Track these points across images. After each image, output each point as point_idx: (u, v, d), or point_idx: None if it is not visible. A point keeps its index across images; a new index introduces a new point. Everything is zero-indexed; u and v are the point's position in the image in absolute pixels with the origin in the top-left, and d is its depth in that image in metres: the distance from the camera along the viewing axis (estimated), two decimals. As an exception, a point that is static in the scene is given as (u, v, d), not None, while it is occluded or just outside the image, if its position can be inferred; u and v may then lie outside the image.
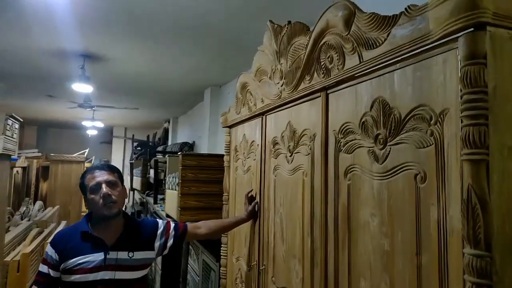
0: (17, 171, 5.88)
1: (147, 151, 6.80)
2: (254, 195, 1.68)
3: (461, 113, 0.68)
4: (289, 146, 1.35)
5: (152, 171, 5.14)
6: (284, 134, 1.40)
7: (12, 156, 2.74)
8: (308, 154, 1.22)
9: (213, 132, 4.95)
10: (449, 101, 0.72)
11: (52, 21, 2.94)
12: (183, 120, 7.71)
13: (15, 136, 2.63)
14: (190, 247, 2.97)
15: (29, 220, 4.51)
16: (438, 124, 0.75)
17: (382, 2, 1.29)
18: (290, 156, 1.35)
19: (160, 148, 7.19)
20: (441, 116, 0.74)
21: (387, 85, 0.89)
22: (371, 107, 0.93)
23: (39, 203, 5.52)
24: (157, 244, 1.52)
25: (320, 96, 1.17)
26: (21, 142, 9.32)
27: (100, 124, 9.10)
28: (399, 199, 0.84)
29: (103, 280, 1.36)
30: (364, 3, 1.10)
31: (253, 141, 1.72)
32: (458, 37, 0.69)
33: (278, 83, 1.43)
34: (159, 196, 4.54)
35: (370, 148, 0.94)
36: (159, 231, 1.55)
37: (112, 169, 1.49)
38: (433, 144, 0.76)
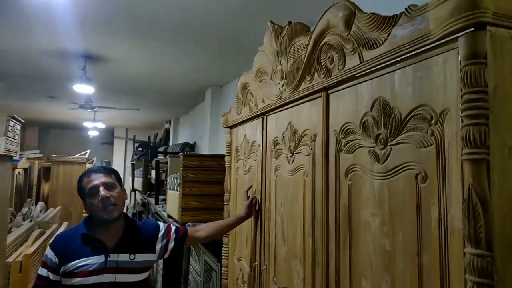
0: (18, 172, 5.89)
1: (148, 152, 6.80)
2: (254, 193, 1.68)
3: (461, 113, 0.68)
4: (290, 146, 1.36)
5: (153, 172, 5.14)
6: (285, 135, 1.41)
7: (14, 157, 2.75)
8: (309, 154, 1.22)
9: (214, 132, 4.95)
10: (450, 101, 0.72)
11: (53, 21, 2.95)
12: (184, 120, 7.71)
13: (16, 137, 2.64)
14: (192, 247, 2.97)
15: (31, 221, 4.52)
16: (438, 124, 0.75)
17: (382, 2, 1.29)
18: (291, 156, 1.35)
19: (161, 149, 7.20)
20: (442, 116, 0.74)
21: (387, 85, 0.89)
22: (372, 107, 0.94)
23: (41, 204, 5.53)
24: (158, 246, 1.51)
25: (320, 96, 1.17)
26: (23, 143, 9.33)
27: (101, 125, 9.11)
28: (400, 199, 0.84)
29: (103, 283, 1.34)
30: (364, 3, 1.10)
31: (254, 141, 1.72)
32: (458, 37, 0.69)
33: (278, 83, 1.43)
34: (161, 197, 4.55)
35: (371, 148, 0.94)
36: (161, 234, 1.53)
37: (109, 171, 1.45)
38: (433, 144, 0.76)
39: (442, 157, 0.74)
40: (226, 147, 2.08)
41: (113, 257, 1.37)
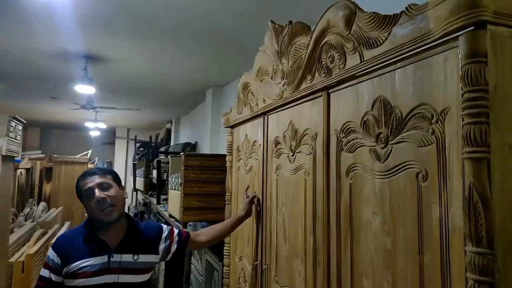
0: (20, 173, 5.91)
1: (149, 152, 6.82)
2: (254, 192, 1.68)
3: (462, 111, 0.68)
4: (291, 145, 1.36)
5: (155, 172, 5.15)
6: (286, 134, 1.41)
7: (16, 158, 2.76)
8: (310, 154, 1.22)
9: (215, 132, 4.96)
10: (450, 100, 0.73)
11: (53, 22, 2.96)
12: (185, 120, 7.72)
13: (18, 137, 2.65)
14: (193, 247, 2.97)
15: (33, 221, 4.53)
16: (439, 122, 0.75)
17: (382, 2, 1.29)
18: (292, 155, 1.35)
19: (162, 149, 7.21)
20: (442, 114, 0.74)
21: (388, 84, 0.89)
22: (372, 106, 0.94)
23: (42, 204, 5.55)
24: (161, 248, 1.49)
25: (321, 95, 1.17)
26: (25, 144, 9.36)
27: (103, 125, 9.13)
28: (401, 197, 0.85)
29: (106, 284, 1.33)
30: (365, 2, 1.10)
31: (255, 141, 1.72)
32: (459, 35, 0.70)
33: (279, 83, 1.43)
34: (162, 197, 4.55)
35: (372, 147, 0.94)
36: (164, 235, 1.52)
37: (104, 172, 1.42)
38: (434, 142, 0.76)
39: (443, 156, 0.74)
40: (227, 147, 2.08)
41: (116, 257, 1.36)
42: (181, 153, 3.10)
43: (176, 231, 1.58)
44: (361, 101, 0.98)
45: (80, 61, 3.97)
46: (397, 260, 0.85)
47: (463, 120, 0.68)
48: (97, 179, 1.37)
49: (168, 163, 4.25)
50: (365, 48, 0.94)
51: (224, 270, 2.04)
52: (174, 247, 1.54)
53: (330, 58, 1.10)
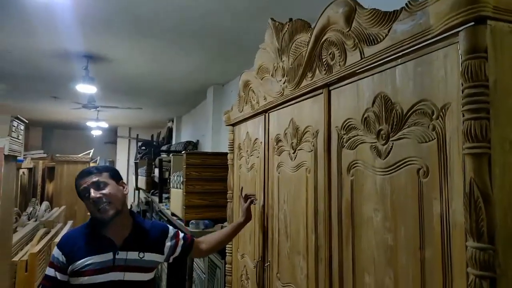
0: (23, 172, 5.93)
1: (151, 151, 6.84)
2: (252, 197, 1.68)
3: (462, 107, 0.68)
4: (292, 143, 1.36)
5: (156, 170, 5.16)
6: (287, 131, 1.41)
7: (18, 158, 2.77)
8: (311, 151, 1.22)
9: (216, 130, 4.96)
10: (451, 96, 0.73)
11: (54, 22, 2.96)
12: (187, 119, 7.73)
13: (20, 137, 2.66)
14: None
15: (36, 220, 4.55)
16: (439, 118, 0.75)
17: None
18: (293, 153, 1.35)
19: (164, 147, 7.21)
20: (443, 110, 0.74)
21: (388, 81, 0.89)
22: (373, 102, 0.94)
23: (45, 203, 5.57)
24: (166, 248, 1.49)
25: (322, 92, 1.17)
26: (27, 144, 9.40)
27: (105, 125, 9.14)
28: (402, 194, 0.85)
29: (112, 282, 1.32)
30: (365, -1, 1.10)
31: (256, 138, 1.73)
32: (459, 31, 0.70)
33: (280, 80, 1.43)
34: (164, 195, 4.57)
35: (373, 144, 0.94)
36: (169, 236, 1.52)
37: (100, 170, 1.40)
38: (435, 138, 0.76)
39: (444, 152, 0.74)
40: (229, 145, 2.09)
41: (121, 254, 1.36)
42: (183, 152, 3.11)
43: (181, 234, 1.57)
44: (362, 97, 0.98)
45: (81, 61, 3.98)
46: (399, 256, 0.85)
47: (463, 115, 0.68)
48: (93, 178, 1.36)
49: (170, 161, 4.25)
50: (365, 44, 0.94)
51: (226, 268, 2.05)
52: (178, 249, 1.53)
53: (331, 55, 1.10)
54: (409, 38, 0.80)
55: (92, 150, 8.19)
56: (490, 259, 0.64)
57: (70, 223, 5.13)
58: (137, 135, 9.46)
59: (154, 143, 8.64)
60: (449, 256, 0.72)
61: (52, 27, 3.09)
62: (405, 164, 0.84)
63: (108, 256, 1.34)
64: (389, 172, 0.89)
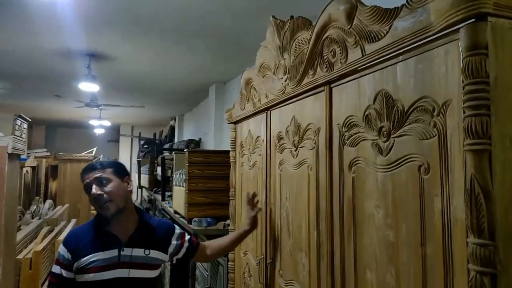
0: (26, 171, 5.95)
1: (154, 149, 6.86)
2: (256, 195, 1.65)
3: (463, 104, 0.69)
4: (294, 140, 1.36)
5: (159, 169, 5.18)
6: (288, 129, 1.41)
7: (22, 156, 2.78)
8: (313, 148, 1.23)
9: (218, 128, 4.97)
10: (451, 92, 0.73)
11: (56, 21, 2.98)
12: (189, 117, 7.74)
13: (24, 136, 2.67)
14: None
15: (39, 218, 4.57)
16: (440, 115, 0.75)
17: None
18: (295, 150, 1.36)
19: (166, 146, 7.23)
20: (444, 107, 0.74)
21: (389, 78, 0.89)
22: (374, 100, 0.94)
23: (49, 201, 5.59)
24: (171, 247, 1.48)
25: (323, 90, 1.17)
26: (30, 142, 9.42)
27: (107, 123, 9.17)
28: (403, 190, 0.85)
29: (117, 279, 1.31)
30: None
31: (258, 136, 1.73)
32: (459, 28, 0.70)
33: (281, 78, 1.43)
34: (167, 193, 4.58)
35: (374, 141, 0.94)
36: (175, 235, 1.51)
37: (104, 165, 1.38)
38: (436, 135, 0.76)
39: (445, 149, 0.74)
40: (231, 143, 2.09)
41: (126, 251, 1.35)
42: (185, 150, 3.12)
43: (187, 236, 1.56)
44: (363, 95, 0.99)
45: (84, 59, 3.99)
46: (400, 252, 0.85)
47: (464, 112, 0.68)
48: (96, 174, 1.34)
49: (172, 159, 4.27)
50: (366, 42, 0.94)
51: (229, 265, 2.06)
52: (183, 250, 1.52)
53: (332, 53, 1.10)
54: (410, 35, 0.80)
55: (95, 149, 8.22)
56: (491, 255, 0.64)
57: (73, 221, 5.15)
58: (140, 133, 9.49)
59: (157, 141, 8.67)
60: (450, 252, 0.73)
61: (54, 26, 3.10)
62: (406, 161, 0.84)
63: (113, 252, 1.34)
64: (390, 169, 0.89)
